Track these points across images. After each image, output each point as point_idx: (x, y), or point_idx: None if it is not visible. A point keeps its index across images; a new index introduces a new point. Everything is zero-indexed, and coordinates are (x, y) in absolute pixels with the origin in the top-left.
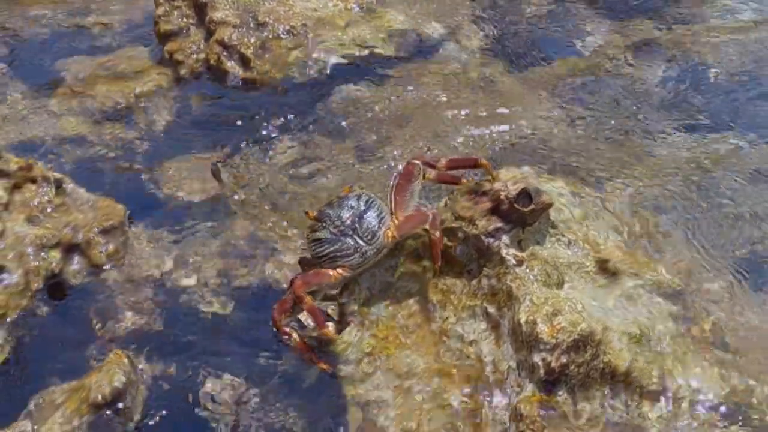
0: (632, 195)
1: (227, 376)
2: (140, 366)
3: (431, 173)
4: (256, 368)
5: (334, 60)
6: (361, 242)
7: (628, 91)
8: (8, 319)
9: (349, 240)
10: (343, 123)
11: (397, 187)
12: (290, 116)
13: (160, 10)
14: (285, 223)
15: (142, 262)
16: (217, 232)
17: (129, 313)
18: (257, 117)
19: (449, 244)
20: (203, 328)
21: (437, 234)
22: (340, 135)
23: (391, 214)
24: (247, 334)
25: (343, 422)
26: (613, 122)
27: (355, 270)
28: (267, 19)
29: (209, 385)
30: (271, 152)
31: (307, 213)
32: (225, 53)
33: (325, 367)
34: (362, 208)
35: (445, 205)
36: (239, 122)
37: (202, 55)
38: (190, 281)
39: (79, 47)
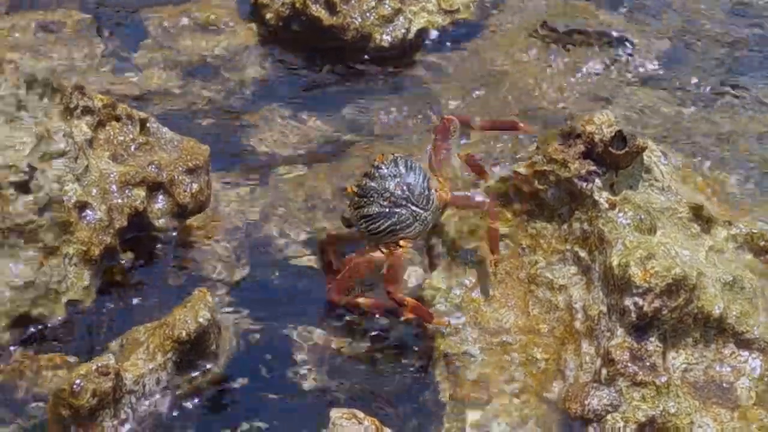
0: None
1: (313, 327)
2: (224, 311)
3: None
4: (342, 320)
5: (420, 21)
6: (418, 209)
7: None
8: (93, 258)
9: (403, 210)
10: (432, 85)
11: (435, 145)
12: (378, 72)
13: None
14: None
15: (227, 210)
16: (302, 183)
17: (212, 259)
18: (344, 72)
19: (540, 187)
20: (288, 278)
21: (495, 224)
22: (429, 95)
23: (434, 173)
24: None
25: (430, 376)
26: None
27: (416, 239)
28: None
29: (294, 336)
30: (357, 109)
31: (346, 189)
32: None
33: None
34: (404, 172)
35: (537, 148)
36: (326, 75)
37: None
38: (275, 231)
39: None
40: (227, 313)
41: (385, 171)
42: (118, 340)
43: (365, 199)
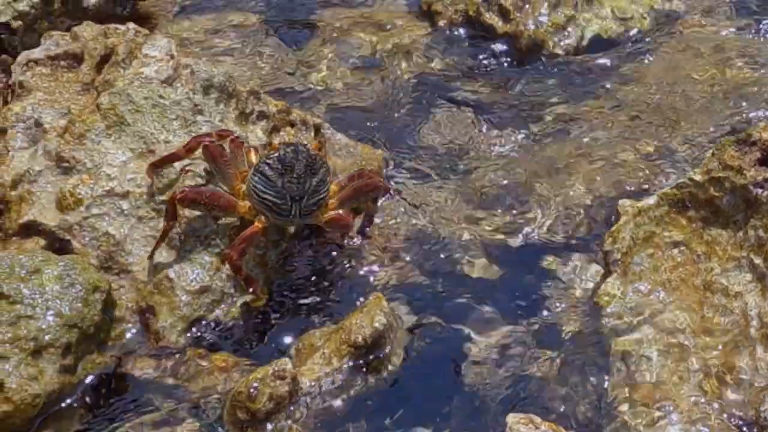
0: None
1: (488, 332)
2: (399, 315)
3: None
4: (517, 322)
5: (593, 28)
6: (295, 210)
7: None
8: (268, 262)
9: (285, 201)
10: (607, 89)
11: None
12: (551, 80)
13: None
14: (550, 179)
15: (398, 210)
16: (469, 184)
17: (385, 259)
18: (515, 77)
19: (715, 194)
20: (460, 281)
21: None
22: (605, 102)
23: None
24: (506, 289)
25: (605, 376)
26: None
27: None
28: None
29: (469, 338)
30: (531, 113)
31: (271, 143)
32: (484, 4)
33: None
34: (315, 170)
35: (712, 154)
36: (495, 78)
37: (460, 6)
38: (447, 231)
39: None
40: (401, 315)
41: (305, 160)
42: (294, 343)
43: (276, 163)
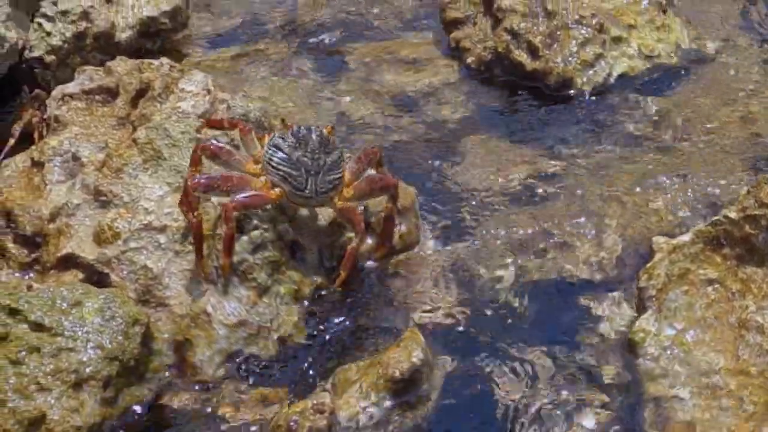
0: None
1: (523, 369)
2: (435, 351)
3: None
4: (549, 361)
5: (621, 66)
6: (311, 185)
7: None
8: (304, 296)
9: (300, 173)
10: (636, 127)
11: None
12: (580, 117)
13: None
14: (582, 220)
15: (431, 245)
16: (508, 226)
17: (418, 296)
18: (545, 114)
19: (751, 232)
20: (496, 319)
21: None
22: (635, 140)
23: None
24: (541, 327)
25: (639, 418)
26: None
27: (288, 200)
28: (556, 8)
29: (503, 375)
30: (562, 151)
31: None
32: (513, 41)
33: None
34: (331, 151)
35: (748, 192)
36: (525, 116)
37: (489, 43)
38: (483, 272)
39: (363, 32)
40: (437, 350)
41: (318, 137)
42: (331, 376)
43: (290, 138)
